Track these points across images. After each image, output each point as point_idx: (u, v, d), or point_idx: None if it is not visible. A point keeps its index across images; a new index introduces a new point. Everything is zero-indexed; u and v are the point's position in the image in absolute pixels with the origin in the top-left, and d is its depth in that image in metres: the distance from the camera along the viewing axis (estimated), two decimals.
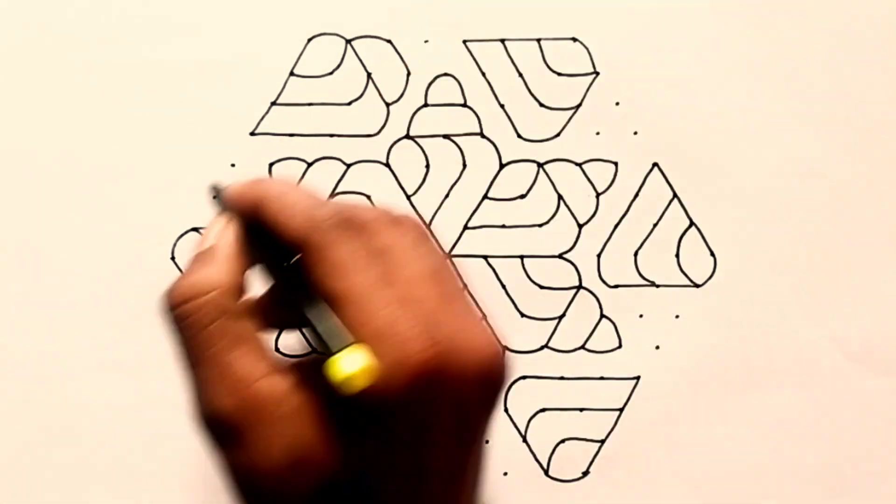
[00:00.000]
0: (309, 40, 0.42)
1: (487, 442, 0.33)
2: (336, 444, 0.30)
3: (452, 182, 0.43)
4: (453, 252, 0.43)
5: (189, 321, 0.32)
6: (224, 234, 0.34)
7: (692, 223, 0.43)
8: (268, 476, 0.31)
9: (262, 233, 0.33)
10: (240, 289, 0.33)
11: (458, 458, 0.32)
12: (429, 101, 0.43)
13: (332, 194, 0.42)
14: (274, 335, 0.42)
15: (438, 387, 0.30)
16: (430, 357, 0.29)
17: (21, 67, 0.41)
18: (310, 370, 0.31)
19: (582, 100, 0.43)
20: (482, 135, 0.43)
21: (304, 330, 0.32)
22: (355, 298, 0.30)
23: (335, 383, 0.29)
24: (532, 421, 0.43)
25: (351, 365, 0.29)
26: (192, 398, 0.32)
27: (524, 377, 0.43)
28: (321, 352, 0.30)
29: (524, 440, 0.43)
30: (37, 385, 0.42)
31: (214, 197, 0.36)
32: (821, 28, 0.43)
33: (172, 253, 0.42)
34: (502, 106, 0.43)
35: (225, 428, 0.31)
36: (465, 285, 0.38)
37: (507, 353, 0.34)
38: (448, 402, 0.31)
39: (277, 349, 0.42)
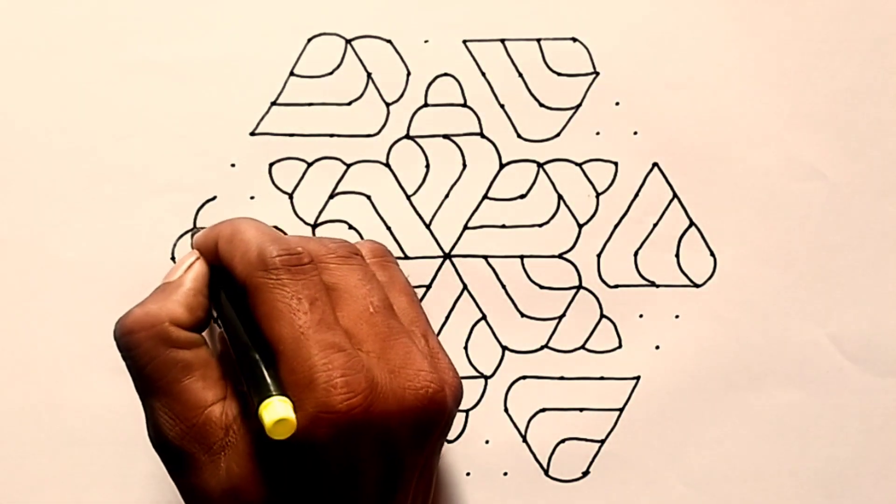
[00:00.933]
0: (309, 40, 0.42)
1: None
2: (269, 481, 0.32)
3: (452, 182, 0.43)
4: (453, 252, 0.43)
5: (136, 351, 0.34)
6: (188, 271, 0.36)
7: (692, 223, 0.43)
8: (210, 502, 0.32)
9: (223, 272, 0.34)
10: (193, 322, 0.35)
11: (388, 500, 0.33)
12: (429, 101, 0.43)
13: (332, 194, 0.42)
14: None
15: (363, 433, 0.31)
16: (352, 405, 0.31)
17: (21, 67, 0.41)
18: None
19: (582, 100, 0.43)
20: (482, 135, 0.43)
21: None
22: (286, 345, 0.31)
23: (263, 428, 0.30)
24: (532, 421, 0.43)
25: (272, 415, 0.30)
26: (147, 425, 0.34)
27: (524, 377, 0.43)
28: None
29: (524, 440, 0.43)
30: (37, 385, 0.41)
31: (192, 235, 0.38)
32: (821, 28, 0.43)
33: (172, 253, 0.42)
34: (502, 106, 0.43)
35: (177, 453, 0.33)
36: (425, 315, 0.38)
37: (453, 387, 0.35)
38: (374, 446, 0.32)
39: None
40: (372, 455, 0.32)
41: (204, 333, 0.35)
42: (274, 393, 0.31)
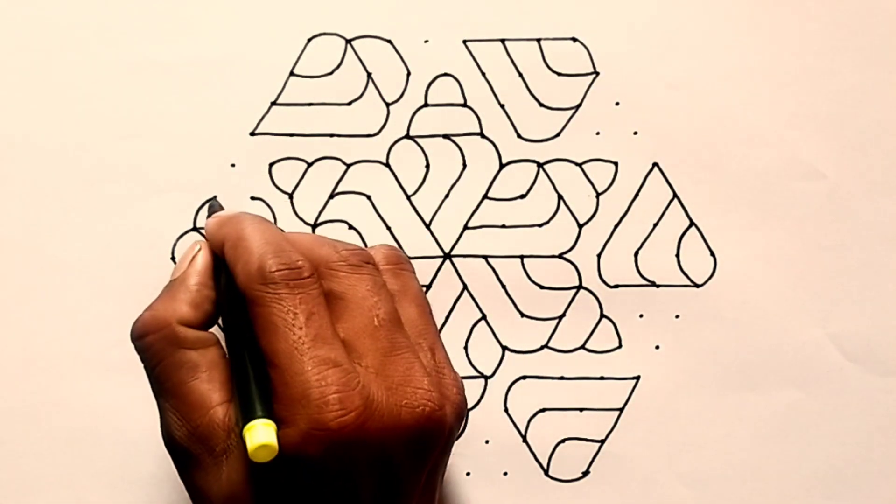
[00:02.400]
0: (309, 40, 0.42)
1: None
2: (263, 494, 0.32)
3: (452, 182, 0.43)
4: (453, 252, 0.43)
5: (147, 354, 0.34)
6: (194, 263, 0.36)
7: (692, 223, 0.43)
8: (214, 502, 0.32)
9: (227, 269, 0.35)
10: (200, 319, 0.35)
11: None
12: (429, 101, 0.43)
13: (332, 194, 0.42)
14: None
15: (357, 450, 0.31)
16: (345, 423, 0.31)
17: (21, 67, 0.41)
18: None
19: (582, 100, 0.43)
20: (482, 135, 0.43)
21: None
22: (281, 359, 0.31)
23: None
24: (532, 421, 0.43)
25: (255, 439, 0.30)
26: (160, 424, 0.34)
27: (524, 377, 0.43)
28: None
29: (524, 440, 0.43)
30: (37, 385, 0.41)
31: (207, 217, 0.37)
32: (821, 28, 0.43)
33: (172, 253, 0.42)
34: (502, 106, 0.43)
35: (182, 453, 0.33)
36: (435, 326, 0.38)
37: (455, 405, 0.35)
38: (369, 464, 0.32)
39: None
40: (368, 473, 0.32)
41: (214, 329, 0.35)
42: (259, 415, 0.31)
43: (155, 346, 0.34)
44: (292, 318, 0.32)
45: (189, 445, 0.33)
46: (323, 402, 0.30)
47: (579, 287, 0.43)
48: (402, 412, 0.32)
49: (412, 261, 0.42)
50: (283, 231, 0.37)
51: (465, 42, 0.42)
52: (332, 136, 0.42)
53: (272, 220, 0.42)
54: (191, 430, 0.33)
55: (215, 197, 0.41)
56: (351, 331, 0.33)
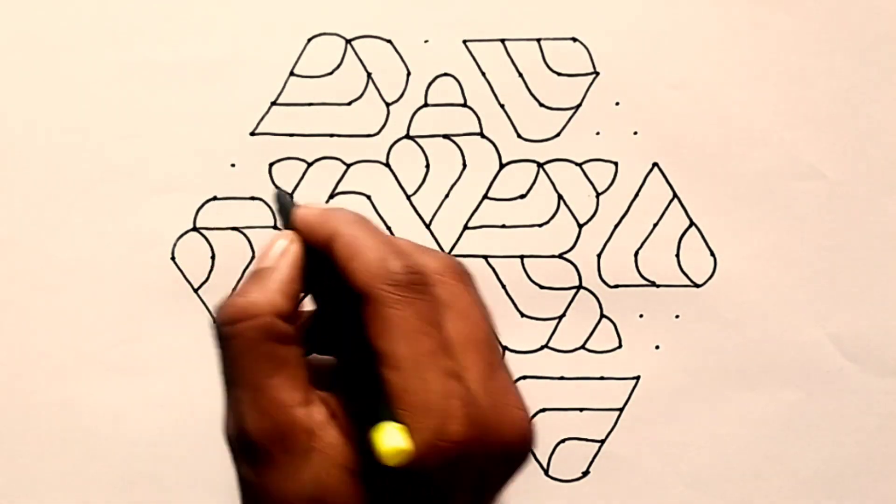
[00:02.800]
0: (309, 40, 0.42)
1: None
2: (357, 494, 0.31)
3: (452, 182, 0.43)
4: (453, 252, 0.43)
5: (235, 342, 0.32)
6: (284, 256, 0.34)
7: (692, 223, 0.43)
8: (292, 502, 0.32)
9: (324, 263, 0.33)
10: (291, 313, 0.33)
11: None
12: (429, 101, 0.43)
13: (332, 194, 0.42)
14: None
15: (465, 465, 0.31)
16: (465, 438, 0.30)
17: (21, 67, 0.41)
18: (345, 405, 0.32)
19: (582, 100, 0.43)
20: (482, 135, 0.43)
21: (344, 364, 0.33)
22: (407, 366, 0.31)
23: (374, 450, 0.30)
24: (532, 421, 0.43)
25: (389, 442, 0.29)
26: (227, 414, 0.33)
27: (524, 377, 0.43)
28: (366, 404, 0.31)
29: None
30: (37, 385, 0.41)
31: (280, 209, 0.36)
32: (821, 28, 0.43)
33: (172, 253, 0.42)
34: (502, 106, 0.43)
35: (255, 448, 0.32)
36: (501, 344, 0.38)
37: (533, 423, 0.35)
38: (471, 478, 0.32)
39: None
40: (468, 487, 0.32)
41: None
42: (392, 418, 0.30)
43: (246, 334, 0.32)
44: (421, 324, 0.31)
45: (264, 442, 0.32)
46: (447, 413, 0.30)
47: (579, 287, 0.43)
48: (503, 429, 0.32)
49: None
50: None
51: (465, 42, 0.42)
52: (332, 136, 0.42)
53: (271, 222, 0.42)
54: (270, 427, 0.32)
55: (284, 189, 0.40)
56: (458, 344, 0.33)
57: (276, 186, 0.41)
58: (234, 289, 0.42)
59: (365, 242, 0.33)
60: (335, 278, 0.33)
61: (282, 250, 0.34)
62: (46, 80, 0.41)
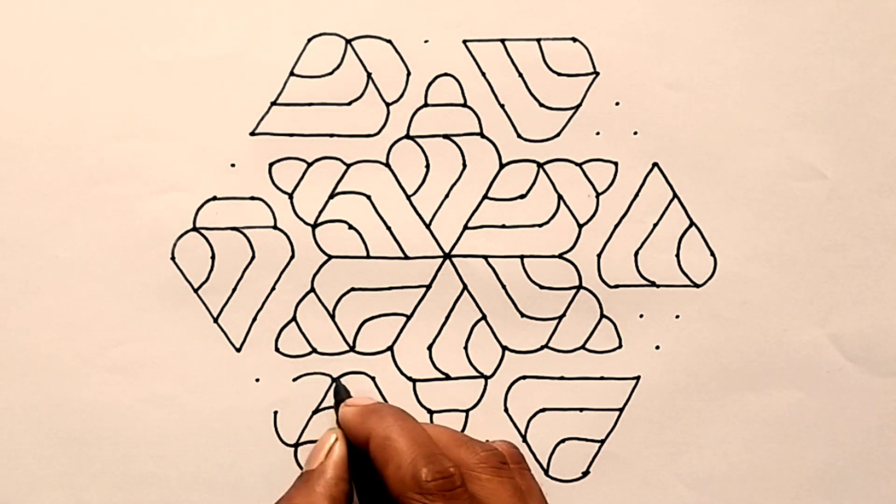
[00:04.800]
0: (309, 40, 0.42)
1: None
2: None
3: (452, 182, 0.43)
4: (453, 252, 0.43)
5: None
6: (331, 455, 0.36)
7: (692, 223, 0.43)
8: None
9: (368, 461, 0.35)
10: None
11: None
12: (429, 101, 0.43)
13: (332, 194, 0.42)
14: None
15: None
16: None
17: (21, 67, 0.41)
18: None
19: (582, 100, 0.43)
20: (482, 135, 0.43)
21: None
22: None
23: None
24: (532, 421, 0.43)
25: None
26: None
27: (524, 377, 0.43)
28: None
29: (524, 440, 0.43)
30: (37, 385, 0.41)
31: (335, 403, 0.38)
32: (820, 28, 0.43)
33: (172, 253, 0.42)
34: (502, 106, 0.43)
35: None
36: None
37: None
38: None
39: (277, 349, 0.42)
40: None
41: None
42: None
43: None
44: None
45: None
46: None
47: (579, 287, 0.43)
48: None
49: (411, 261, 0.42)
50: (423, 426, 0.37)
51: (465, 42, 0.42)
52: (332, 136, 0.42)
53: (271, 222, 0.42)
54: None
55: (339, 379, 0.42)
56: None
57: (337, 380, 0.42)
58: (234, 288, 0.42)
59: (398, 446, 0.34)
60: (378, 477, 0.34)
61: (328, 449, 0.36)
62: (46, 79, 0.41)
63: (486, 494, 0.35)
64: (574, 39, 0.43)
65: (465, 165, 0.43)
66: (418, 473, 0.33)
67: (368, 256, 0.42)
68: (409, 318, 0.43)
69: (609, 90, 0.43)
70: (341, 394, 0.40)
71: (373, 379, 0.42)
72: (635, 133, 0.43)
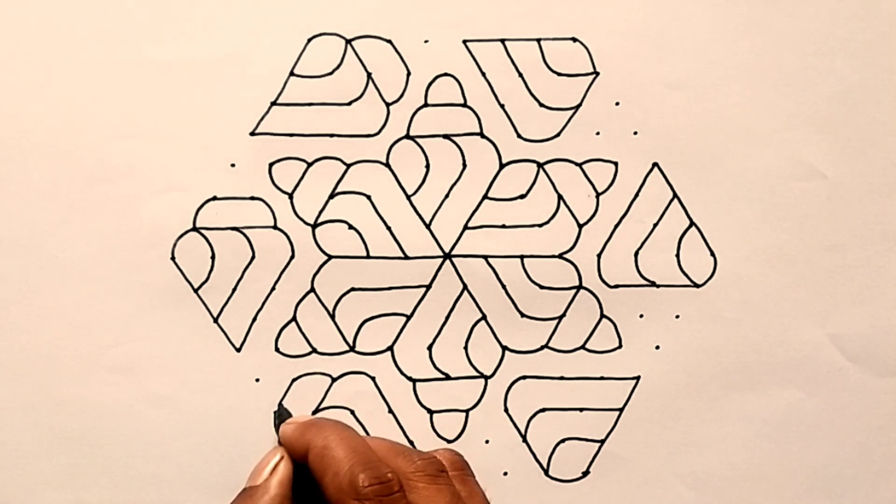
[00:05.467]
0: (309, 40, 0.42)
1: None
2: None
3: (452, 182, 0.43)
4: (453, 252, 0.43)
5: None
6: (276, 472, 0.37)
7: (692, 223, 0.43)
8: None
9: (311, 478, 0.35)
10: None
11: None
12: (429, 101, 0.43)
13: (332, 194, 0.42)
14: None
15: None
16: None
17: (21, 67, 0.41)
18: None
19: (582, 100, 0.43)
20: (482, 135, 0.43)
21: None
22: None
23: None
24: (532, 421, 0.43)
25: None
26: None
27: (524, 377, 0.43)
28: None
29: (524, 440, 0.43)
30: (37, 385, 0.41)
31: (275, 425, 0.38)
32: (821, 28, 0.43)
33: (172, 253, 0.42)
34: (502, 106, 0.43)
35: None
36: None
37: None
38: None
39: (277, 349, 0.42)
40: None
41: None
42: None
43: None
44: None
45: None
46: None
47: (579, 287, 0.43)
48: None
49: (411, 261, 0.42)
50: (362, 436, 0.37)
51: (465, 42, 0.42)
52: (332, 136, 0.42)
53: (271, 222, 0.42)
54: None
55: (282, 403, 0.42)
56: None
57: (280, 404, 0.42)
58: (234, 288, 0.42)
59: (336, 454, 0.35)
60: (320, 495, 0.34)
61: (272, 468, 0.36)
62: (46, 79, 0.41)
63: (424, 502, 0.35)
64: (574, 39, 0.43)
65: (465, 165, 0.43)
66: (356, 479, 0.33)
67: (368, 256, 0.42)
68: (409, 318, 0.43)
69: (609, 90, 0.43)
70: (283, 416, 0.41)
71: (373, 379, 0.42)
72: (635, 133, 0.43)
